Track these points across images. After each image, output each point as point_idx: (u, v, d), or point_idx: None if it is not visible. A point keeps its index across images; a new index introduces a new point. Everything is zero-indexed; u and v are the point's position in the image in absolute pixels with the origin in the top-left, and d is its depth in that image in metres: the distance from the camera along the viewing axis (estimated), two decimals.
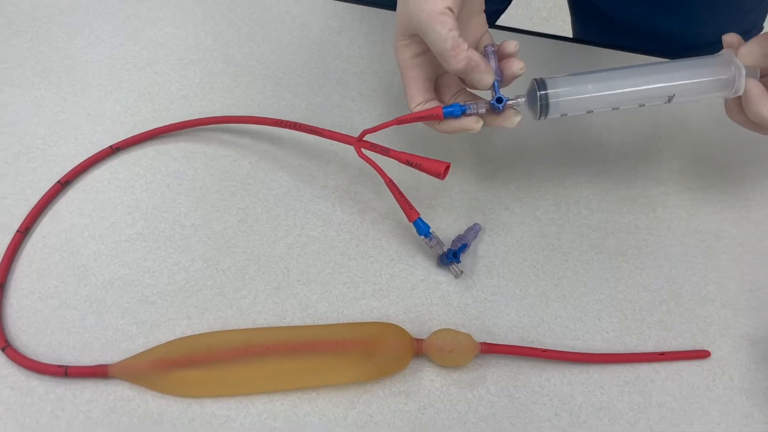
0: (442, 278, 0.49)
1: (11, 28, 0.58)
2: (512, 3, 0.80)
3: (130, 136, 0.53)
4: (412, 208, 0.46)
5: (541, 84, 0.43)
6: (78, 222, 0.50)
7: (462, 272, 0.48)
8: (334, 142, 0.48)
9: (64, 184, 0.51)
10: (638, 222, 0.52)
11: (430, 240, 0.47)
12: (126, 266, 0.48)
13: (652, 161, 0.54)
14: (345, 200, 0.51)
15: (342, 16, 0.61)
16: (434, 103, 0.45)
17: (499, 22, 0.80)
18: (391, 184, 0.46)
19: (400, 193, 0.46)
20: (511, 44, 0.44)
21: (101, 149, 0.52)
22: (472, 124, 0.44)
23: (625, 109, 0.56)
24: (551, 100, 0.43)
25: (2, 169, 0.51)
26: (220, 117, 0.54)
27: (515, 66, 0.43)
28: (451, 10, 0.39)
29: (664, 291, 0.49)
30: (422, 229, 0.47)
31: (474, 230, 0.50)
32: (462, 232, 0.50)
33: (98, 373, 0.43)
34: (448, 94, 0.46)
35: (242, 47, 0.59)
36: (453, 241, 0.49)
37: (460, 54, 0.40)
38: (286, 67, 0.58)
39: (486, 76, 0.42)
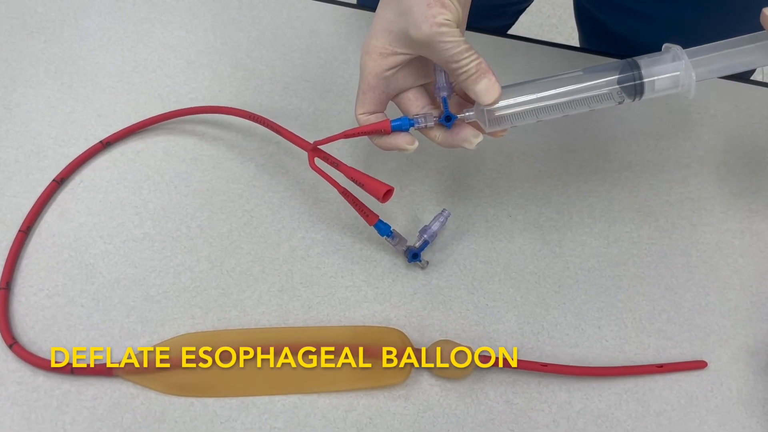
0: (443, 283, 0.49)
1: (26, 29, 0.59)
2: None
3: (127, 126, 0.54)
4: (369, 214, 0.47)
5: None
6: (86, 221, 0.50)
7: (428, 263, 0.49)
8: (341, 147, 0.49)
9: (60, 181, 0.51)
10: (640, 231, 0.52)
11: (393, 239, 0.48)
12: (133, 265, 0.49)
13: (655, 171, 0.55)
14: (348, 205, 0.52)
15: (350, 23, 0.62)
16: (381, 116, 0.44)
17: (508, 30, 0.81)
18: (345, 194, 0.46)
19: (355, 200, 0.47)
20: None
21: (92, 145, 0.53)
22: (405, 144, 0.43)
23: (630, 120, 0.57)
24: (498, 113, 0.42)
25: (14, 168, 0.52)
26: (195, 108, 0.54)
27: (471, 139, 0.42)
28: (449, 21, 0.39)
29: (664, 300, 0.49)
30: (383, 230, 0.47)
31: (442, 217, 0.49)
32: (428, 222, 0.49)
33: (103, 371, 0.44)
34: (413, 112, 0.44)
35: (251, 51, 0.60)
36: (419, 232, 0.49)
37: (472, 56, 0.39)
38: (294, 72, 0.59)
39: (497, 87, 0.40)
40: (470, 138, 0.43)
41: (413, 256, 0.48)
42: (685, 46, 0.44)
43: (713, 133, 0.57)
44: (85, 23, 0.60)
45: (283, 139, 0.48)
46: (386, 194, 0.44)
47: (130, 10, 0.61)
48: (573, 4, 0.77)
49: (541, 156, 0.55)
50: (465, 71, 0.39)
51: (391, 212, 0.52)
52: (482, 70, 0.40)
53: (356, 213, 0.46)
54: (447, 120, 0.42)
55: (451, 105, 0.43)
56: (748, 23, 0.66)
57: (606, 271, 0.50)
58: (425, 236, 0.48)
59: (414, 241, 0.49)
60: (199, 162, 0.54)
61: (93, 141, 0.54)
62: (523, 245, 0.51)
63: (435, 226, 0.49)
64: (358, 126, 0.44)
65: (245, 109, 0.52)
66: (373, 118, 0.44)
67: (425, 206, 0.52)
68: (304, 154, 0.46)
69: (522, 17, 0.81)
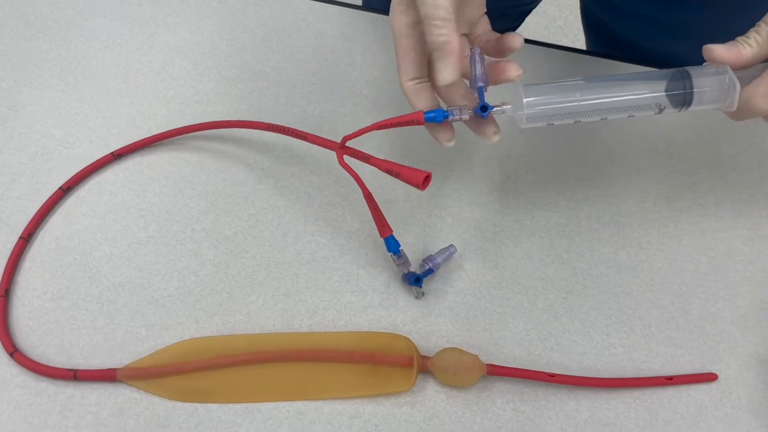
0: (450, 289, 0.49)
1: (31, 30, 0.59)
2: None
3: (144, 138, 0.54)
4: (385, 225, 0.45)
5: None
6: (91, 224, 0.50)
7: (423, 293, 0.48)
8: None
9: (66, 190, 0.51)
10: (649, 237, 0.51)
11: (399, 258, 0.46)
12: (137, 269, 0.48)
13: (664, 176, 0.54)
14: (355, 208, 0.52)
15: (356, 24, 0.61)
16: (426, 86, 0.43)
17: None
18: (369, 198, 0.45)
19: (376, 208, 0.45)
20: (515, 40, 0.42)
21: (102, 156, 0.53)
22: (443, 141, 0.43)
23: (639, 124, 0.56)
24: (527, 111, 0.41)
25: (18, 170, 0.52)
26: (209, 123, 0.53)
27: (512, 72, 0.42)
28: None
29: (673, 307, 0.48)
30: (392, 246, 0.46)
31: (447, 252, 0.48)
32: (435, 252, 0.48)
33: (106, 377, 0.44)
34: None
35: (257, 53, 0.59)
36: (422, 260, 0.48)
37: (444, 29, 0.38)
38: (299, 74, 0.58)
39: (448, 71, 0.39)
40: (489, 135, 0.43)
41: (415, 280, 0.47)
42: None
43: (723, 138, 0.56)
44: (90, 24, 0.60)
45: (288, 142, 0.48)
46: (425, 180, 0.42)
47: (136, 12, 0.61)
48: (579, 6, 0.77)
49: (549, 160, 0.55)
50: (431, 35, 0.38)
51: (395, 215, 0.51)
52: (450, 48, 0.38)
53: (363, 217, 0.46)
54: (483, 110, 0.41)
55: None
56: (751, 26, 0.65)
57: (614, 278, 0.50)
58: (429, 265, 0.47)
59: (416, 267, 0.48)
60: (204, 165, 0.53)
61: (98, 143, 0.53)
62: (531, 251, 0.51)
63: (439, 259, 0.48)
64: (387, 118, 0.43)
65: (247, 115, 0.51)
66: (420, 87, 0.42)
67: (431, 210, 0.52)
68: (311, 158, 0.46)
69: (528, 19, 0.81)
